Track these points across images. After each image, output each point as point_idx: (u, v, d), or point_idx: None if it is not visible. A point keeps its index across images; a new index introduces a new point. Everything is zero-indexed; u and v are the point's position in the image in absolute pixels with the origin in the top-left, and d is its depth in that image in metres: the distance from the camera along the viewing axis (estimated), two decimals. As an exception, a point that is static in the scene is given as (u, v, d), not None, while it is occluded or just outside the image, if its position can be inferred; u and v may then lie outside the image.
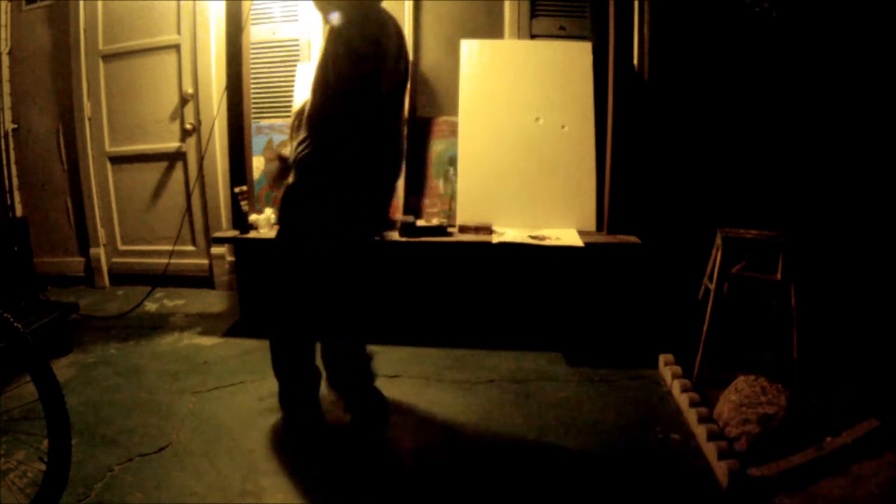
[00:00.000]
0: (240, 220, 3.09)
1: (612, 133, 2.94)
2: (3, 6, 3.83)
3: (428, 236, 2.87)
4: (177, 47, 3.69)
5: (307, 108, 1.93)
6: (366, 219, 2.05)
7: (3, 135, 3.89)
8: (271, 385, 2.47)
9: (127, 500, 1.75)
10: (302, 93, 3.28)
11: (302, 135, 1.91)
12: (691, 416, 2.13)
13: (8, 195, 3.89)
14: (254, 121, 3.40)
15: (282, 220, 2.06)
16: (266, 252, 2.88)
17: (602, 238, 2.89)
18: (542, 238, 2.79)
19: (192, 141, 3.76)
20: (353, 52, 1.81)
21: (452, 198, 3.14)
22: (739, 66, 2.96)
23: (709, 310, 2.34)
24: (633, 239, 2.85)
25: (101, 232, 3.97)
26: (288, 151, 2.04)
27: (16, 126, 3.95)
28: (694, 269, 2.61)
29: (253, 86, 3.34)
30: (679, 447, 2.03)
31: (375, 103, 1.87)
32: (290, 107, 3.36)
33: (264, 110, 3.53)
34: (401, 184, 3.11)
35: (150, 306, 3.54)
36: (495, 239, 2.78)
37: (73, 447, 1.60)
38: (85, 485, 1.81)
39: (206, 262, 3.85)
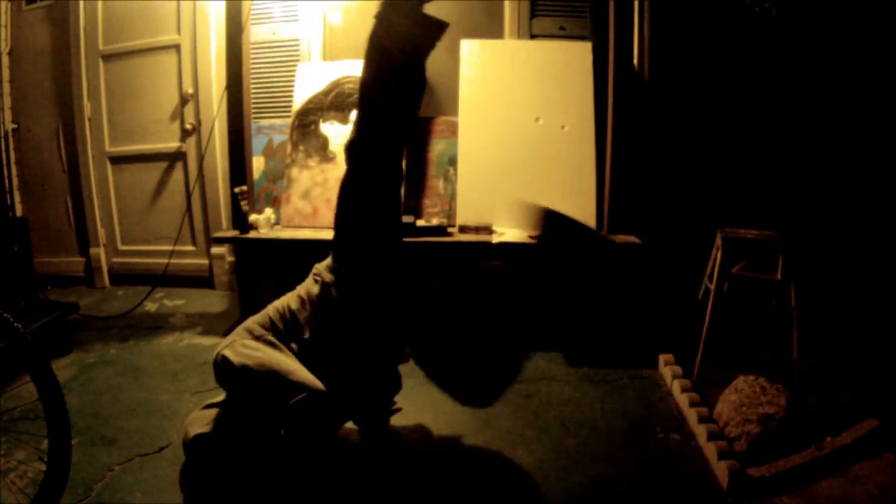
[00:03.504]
0: (240, 220, 3.09)
1: (612, 133, 2.94)
2: (3, 6, 3.83)
3: (428, 236, 2.87)
4: (177, 47, 3.69)
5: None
6: None
7: (3, 135, 3.89)
8: (271, 385, 2.47)
9: (127, 500, 1.75)
10: (302, 93, 3.28)
11: None
12: (691, 416, 2.13)
13: (8, 195, 3.89)
14: (254, 121, 3.40)
15: None
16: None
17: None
18: (542, 238, 2.78)
19: (192, 141, 3.75)
20: None
21: (452, 198, 3.14)
22: (739, 66, 2.96)
23: (709, 310, 2.34)
24: (633, 239, 2.84)
25: (101, 232, 3.97)
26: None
27: (16, 126, 3.95)
28: (694, 269, 2.61)
29: (253, 86, 3.34)
30: (679, 447, 2.03)
31: None
32: (290, 107, 3.36)
33: (264, 110, 3.53)
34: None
35: (150, 306, 3.54)
36: (495, 239, 2.78)
37: (73, 447, 1.60)
38: (85, 485, 1.81)
39: (206, 262, 3.85)
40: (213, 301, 3.62)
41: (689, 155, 3.03)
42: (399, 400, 2.12)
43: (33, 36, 3.88)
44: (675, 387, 2.34)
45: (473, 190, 3.02)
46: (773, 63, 2.93)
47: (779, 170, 2.96)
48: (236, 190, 3.10)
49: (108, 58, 3.80)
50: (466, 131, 3.06)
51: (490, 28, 3.32)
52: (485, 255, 2.85)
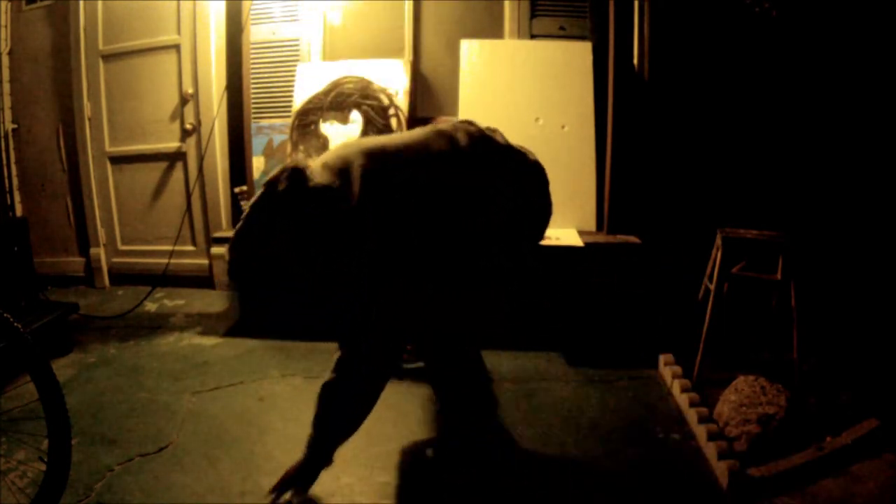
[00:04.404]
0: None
1: (612, 133, 2.94)
2: (3, 6, 3.83)
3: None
4: (177, 47, 3.69)
5: None
6: None
7: (3, 135, 3.89)
8: (271, 385, 2.48)
9: (127, 500, 1.75)
10: (302, 93, 3.28)
11: None
12: (691, 416, 2.13)
13: (8, 195, 3.89)
14: (254, 121, 3.41)
15: None
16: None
17: (602, 238, 2.89)
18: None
19: (192, 141, 3.75)
20: None
21: (452, 198, 3.14)
22: (739, 66, 2.96)
23: (709, 310, 2.34)
24: (633, 239, 2.85)
25: (101, 232, 3.97)
26: None
27: (16, 126, 3.95)
28: (694, 269, 2.61)
29: (253, 86, 3.34)
30: (679, 447, 2.03)
31: None
32: (290, 107, 3.36)
33: (264, 110, 3.53)
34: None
35: (150, 306, 3.54)
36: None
37: (73, 447, 1.60)
38: (85, 485, 1.81)
39: (206, 262, 3.85)
40: (213, 301, 3.62)
41: (689, 155, 3.03)
42: (398, 401, 2.12)
43: (33, 36, 3.88)
44: (675, 387, 2.34)
45: (473, 190, 3.02)
46: (773, 63, 2.93)
47: (778, 170, 2.96)
48: (236, 190, 3.11)
49: (108, 58, 3.80)
50: (466, 131, 3.06)
51: (490, 28, 3.32)
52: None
